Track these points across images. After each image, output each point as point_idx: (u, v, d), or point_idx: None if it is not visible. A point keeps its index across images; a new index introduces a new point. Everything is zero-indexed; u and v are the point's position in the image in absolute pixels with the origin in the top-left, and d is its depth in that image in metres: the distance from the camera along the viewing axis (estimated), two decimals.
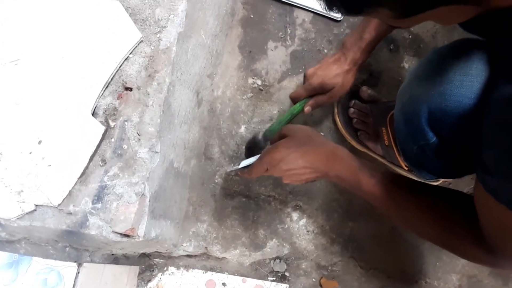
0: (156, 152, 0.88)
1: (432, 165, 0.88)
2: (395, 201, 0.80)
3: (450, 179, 1.21)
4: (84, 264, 0.91)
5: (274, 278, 1.17)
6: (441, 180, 1.18)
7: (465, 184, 1.21)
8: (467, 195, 0.76)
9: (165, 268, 1.16)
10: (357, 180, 0.83)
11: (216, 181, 1.20)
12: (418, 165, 0.95)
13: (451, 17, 0.59)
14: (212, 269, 1.17)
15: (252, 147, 1.09)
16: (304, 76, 1.08)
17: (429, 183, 1.14)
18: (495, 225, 0.63)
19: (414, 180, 0.88)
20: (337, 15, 1.29)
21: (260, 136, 1.06)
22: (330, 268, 1.19)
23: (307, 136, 0.89)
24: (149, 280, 1.14)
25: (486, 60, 0.72)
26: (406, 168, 1.17)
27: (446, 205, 0.76)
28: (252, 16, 1.31)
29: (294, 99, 1.10)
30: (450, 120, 0.73)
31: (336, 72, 1.03)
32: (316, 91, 1.06)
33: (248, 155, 1.09)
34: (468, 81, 0.71)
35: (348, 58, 1.03)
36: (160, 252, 1.13)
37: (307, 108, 1.07)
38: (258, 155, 0.93)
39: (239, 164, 1.00)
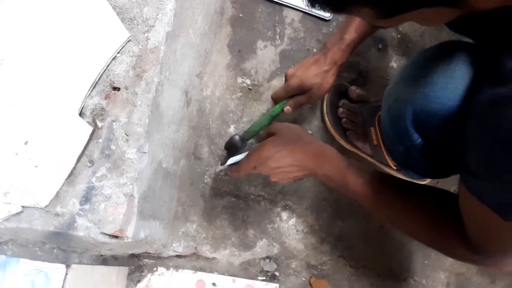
0: (145, 152, 0.87)
1: (418, 165, 0.88)
2: (382, 200, 0.81)
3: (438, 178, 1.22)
4: (73, 265, 0.91)
5: (264, 278, 1.17)
6: (429, 180, 1.19)
7: (453, 183, 1.22)
8: (454, 194, 0.77)
9: (155, 269, 1.16)
10: (345, 179, 0.83)
11: (205, 181, 1.20)
12: (405, 165, 0.96)
13: (433, 19, 0.59)
14: (202, 269, 1.17)
15: (231, 149, 1.09)
16: (285, 77, 1.09)
17: (417, 182, 1.16)
18: (479, 225, 0.64)
19: (401, 179, 0.89)
20: (326, 15, 1.29)
21: (237, 138, 1.07)
22: (320, 267, 1.19)
23: (295, 134, 0.89)
24: (139, 281, 1.13)
25: (470, 63, 0.72)
26: (395, 168, 1.18)
27: (433, 204, 0.77)
28: (241, 15, 1.31)
29: (275, 100, 1.11)
30: (434, 122, 0.74)
31: (315, 72, 1.03)
32: (296, 92, 1.06)
33: (228, 157, 1.08)
34: (452, 83, 0.71)
35: (327, 58, 1.03)
36: (150, 253, 1.13)
37: (286, 108, 1.07)
38: (246, 153, 0.93)
39: (226, 162, 1.00)
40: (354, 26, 1.00)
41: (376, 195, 0.81)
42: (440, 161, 0.83)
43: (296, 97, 1.07)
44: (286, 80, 1.08)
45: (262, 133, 0.97)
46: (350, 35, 1.01)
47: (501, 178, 0.53)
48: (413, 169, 0.93)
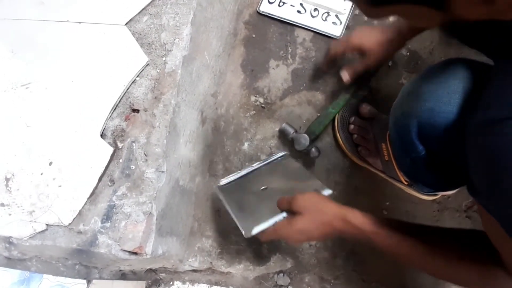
0: (163, 171, 0.91)
1: (424, 177, 0.91)
2: (416, 253, 0.79)
3: (449, 192, 1.23)
4: (93, 280, 0.94)
5: None
6: (440, 194, 1.20)
7: (464, 198, 1.23)
8: (474, 230, 0.77)
9: (171, 283, 1.18)
10: (369, 238, 0.83)
11: (220, 197, 1.23)
12: (413, 177, 0.98)
13: (419, 18, 0.60)
14: (217, 284, 1.19)
15: (294, 142, 1.20)
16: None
17: (427, 198, 1.18)
18: (505, 246, 0.64)
19: (423, 225, 0.89)
20: (336, 33, 1.32)
21: (303, 133, 1.19)
22: (332, 281, 1.21)
23: (317, 210, 0.90)
24: None
25: (474, 80, 0.75)
26: (406, 183, 1.20)
27: (465, 246, 0.76)
28: (254, 35, 1.35)
29: (331, 50, 1.17)
30: (438, 134, 0.77)
31: (377, 37, 1.06)
32: (351, 48, 1.10)
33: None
34: (456, 99, 0.75)
35: (395, 29, 1.05)
36: (166, 267, 1.16)
37: (346, 79, 1.14)
38: (272, 221, 0.94)
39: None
40: None
41: (410, 249, 0.80)
42: (443, 173, 0.86)
43: (353, 64, 1.13)
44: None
45: (283, 204, 0.96)
46: None
47: (498, 197, 0.56)
48: (421, 180, 0.95)
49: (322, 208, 0.91)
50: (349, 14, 1.30)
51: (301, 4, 1.34)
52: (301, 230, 0.90)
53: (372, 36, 1.07)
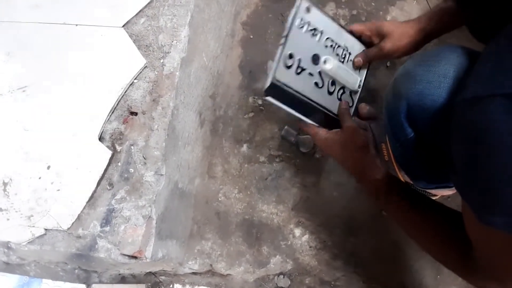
0: (162, 175, 0.90)
1: (414, 164, 0.91)
2: (401, 211, 0.85)
3: (448, 193, 1.23)
4: (93, 285, 0.94)
5: None
6: (439, 195, 1.20)
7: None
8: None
9: (171, 286, 1.18)
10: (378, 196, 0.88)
11: (219, 199, 1.22)
12: (405, 166, 0.98)
13: None
14: (217, 286, 1.19)
15: (298, 145, 1.23)
16: None
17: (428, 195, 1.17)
18: (478, 238, 0.64)
19: (419, 193, 0.91)
20: None
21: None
22: (333, 283, 1.20)
23: (351, 145, 0.95)
24: None
25: (467, 66, 0.75)
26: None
27: (444, 222, 0.78)
28: (251, 36, 1.34)
29: (351, 27, 1.04)
30: (426, 117, 0.77)
31: (398, 23, 0.96)
32: (370, 28, 1.00)
33: None
34: (446, 83, 0.75)
35: (418, 21, 0.94)
36: (166, 270, 1.15)
37: (357, 59, 1.02)
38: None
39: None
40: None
41: (397, 205, 0.85)
42: (432, 160, 0.86)
43: (367, 49, 1.02)
44: None
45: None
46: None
47: (473, 176, 0.55)
48: (411, 170, 0.95)
49: (353, 147, 0.94)
50: (359, 94, 1.06)
51: (319, 73, 1.03)
52: (324, 145, 0.97)
53: (396, 23, 0.97)
